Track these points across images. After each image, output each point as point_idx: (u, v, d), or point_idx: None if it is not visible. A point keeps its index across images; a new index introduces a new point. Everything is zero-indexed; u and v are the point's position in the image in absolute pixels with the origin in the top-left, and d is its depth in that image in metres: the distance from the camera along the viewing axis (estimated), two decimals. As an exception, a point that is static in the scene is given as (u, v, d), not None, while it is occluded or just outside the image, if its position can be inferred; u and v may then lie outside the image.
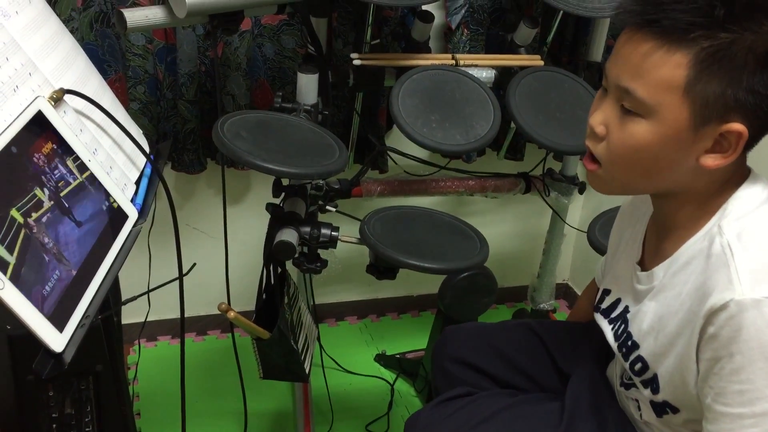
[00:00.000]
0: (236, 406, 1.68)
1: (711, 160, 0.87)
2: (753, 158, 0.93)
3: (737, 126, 0.84)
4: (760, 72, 0.82)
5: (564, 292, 2.43)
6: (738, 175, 0.92)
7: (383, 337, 2.17)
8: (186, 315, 2.02)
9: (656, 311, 0.97)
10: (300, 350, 1.48)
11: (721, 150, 0.87)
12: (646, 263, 1.04)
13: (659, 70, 0.84)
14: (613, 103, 0.90)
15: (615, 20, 0.91)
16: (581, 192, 1.87)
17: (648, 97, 0.85)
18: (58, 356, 0.78)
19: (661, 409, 1.01)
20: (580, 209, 2.28)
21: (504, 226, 2.26)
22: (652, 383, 0.99)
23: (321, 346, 1.96)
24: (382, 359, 2.07)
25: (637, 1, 0.86)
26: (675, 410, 0.98)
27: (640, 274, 1.02)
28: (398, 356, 2.06)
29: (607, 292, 1.14)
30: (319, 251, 1.41)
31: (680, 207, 0.95)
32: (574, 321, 1.41)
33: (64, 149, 0.90)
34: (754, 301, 0.82)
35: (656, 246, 1.02)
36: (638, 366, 1.01)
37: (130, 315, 1.86)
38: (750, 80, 0.82)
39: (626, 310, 1.06)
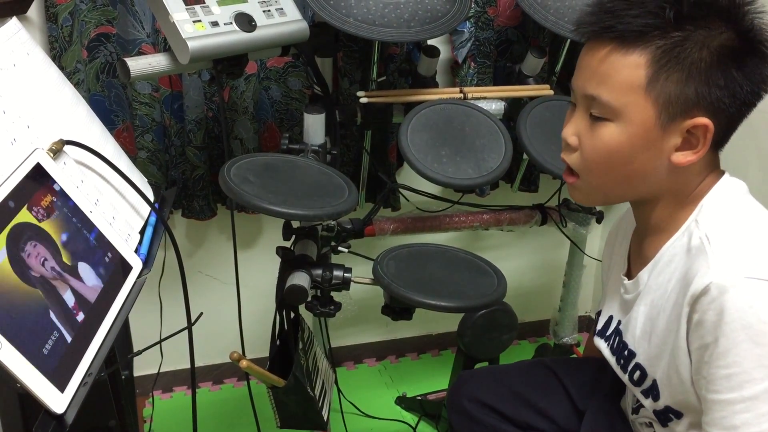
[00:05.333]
0: (254, 457, 1.63)
1: (682, 157, 0.90)
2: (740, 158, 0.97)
3: (702, 120, 0.87)
4: (716, 65, 0.85)
5: (587, 324, 2.37)
6: (712, 176, 0.94)
7: (403, 378, 2.12)
8: (200, 364, 2.03)
9: (646, 314, 0.98)
10: (317, 397, 1.44)
11: (690, 146, 0.89)
12: (631, 273, 1.05)
13: (620, 73, 0.88)
14: (582, 113, 0.94)
15: (575, 37, 0.95)
16: (599, 221, 1.83)
17: (613, 99, 0.89)
18: (60, 417, 0.74)
19: (665, 416, 0.99)
20: (599, 239, 2.23)
21: (522, 260, 2.21)
22: (652, 390, 0.98)
23: (339, 391, 1.91)
24: (403, 402, 2.01)
25: (593, 14, 0.91)
26: (678, 414, 0.97)
27: (627, 284, 1.03)
28: (419, 398, 2.01)
29: (599, 313, 1.15)
30: (333, 294, 1.38)
31: (659, 210, 0.96)
32: (589, 356, 1.38)
33: (64, 201, 0.88)
34: (733, 282, 0.82)
35: (639, 254, 1.03)
36: (637, 375, 1.00)
37: (144, 367, 1.83)
38: (707, 74, 0.86)
39: (618, 323, 1.07)
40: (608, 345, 1.09)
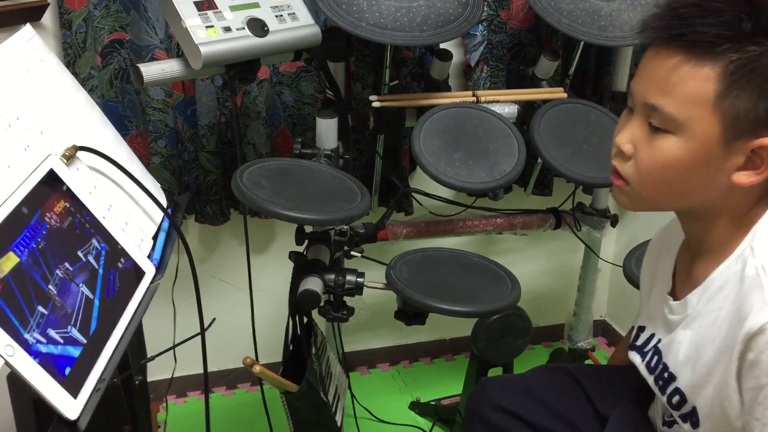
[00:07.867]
0: (268, 462, 1.62)
1: (744, 178, 0.85)
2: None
3: None
4: None
5: (602, 329, 2.35)
6: (766, 198, 0.89)
7: (417, 383, 2.11)
8: (214, 369, 2.02)
9: (692, 340, 0.93)
10: (330, 402, 1.44)
11: (753, 167, 0.84)
12: (677, 293, 1.01)
13: (687, 84, 0.82)
14: (640, 121, 0.88)
15: (640, 38, 0.89)
16: (614, 225, 1.82)
17: (677, 112, 0.83)
18: (73, 424, 0.74)
19: None
20: (614, 243, 2.22)
21: (536, 264, 2.20)
22: (692, 417, 0.95)
23: (353, 396, 1.90)
24: (416, 407, 2.00)
25: (663, 17, 0.84)
26: None
27: (673, 304, 0.99)
28: (433, 403, 2.00)
29: (641, 329, 1.10)
30: (346, 298, 1.38)
31: (711, 229, 0.91)
32: (614, 364, 1.35)
33: (78, 207, 0.88)
34: None
35: (688, 274, 0.99)
36: (676, 399, 0.97)
37: (158, 371, 1.83)
38: None
39: (658, 341, 1.03)
40: (644, 361, 1.05)
